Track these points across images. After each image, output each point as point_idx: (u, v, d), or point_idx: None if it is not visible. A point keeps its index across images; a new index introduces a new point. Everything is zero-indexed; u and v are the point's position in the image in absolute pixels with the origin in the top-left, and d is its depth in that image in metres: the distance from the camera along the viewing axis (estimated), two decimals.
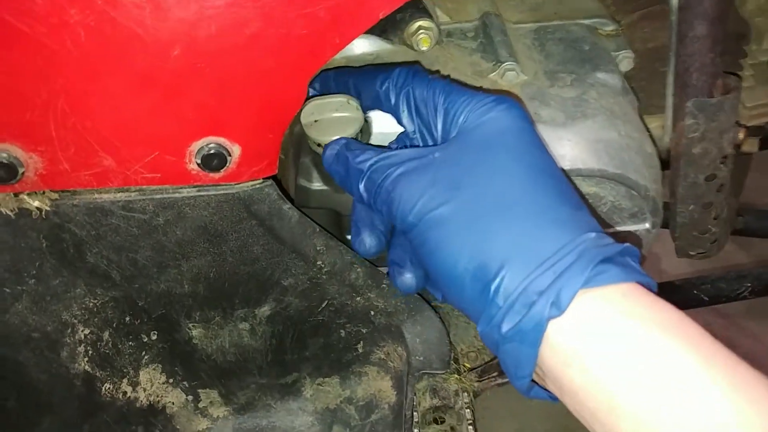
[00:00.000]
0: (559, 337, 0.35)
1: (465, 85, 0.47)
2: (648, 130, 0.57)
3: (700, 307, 0.73)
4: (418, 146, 0.47)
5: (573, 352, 0.35)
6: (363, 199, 0.45)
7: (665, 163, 0.59)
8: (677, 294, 0.71)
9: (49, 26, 0.35)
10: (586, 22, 0.57)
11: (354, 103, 0.47)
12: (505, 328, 0.36)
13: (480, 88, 0.50)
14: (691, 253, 0.62)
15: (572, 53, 0.54)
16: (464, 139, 0.42)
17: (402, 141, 0.49)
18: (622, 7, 0.61)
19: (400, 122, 0.48)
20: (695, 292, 0.72)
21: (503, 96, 0.43)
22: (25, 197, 0.44)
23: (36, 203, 0.44)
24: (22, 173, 0.41)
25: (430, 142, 0.46)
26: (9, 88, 0.37)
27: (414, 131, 0.47)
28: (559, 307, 0.34)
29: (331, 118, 0.47)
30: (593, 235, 0.37)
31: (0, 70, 0.36)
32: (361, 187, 0.44)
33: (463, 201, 0.39)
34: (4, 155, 0.40)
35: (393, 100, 0.47)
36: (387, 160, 0.43)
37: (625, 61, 0.56)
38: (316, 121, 0.47)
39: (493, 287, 0.36)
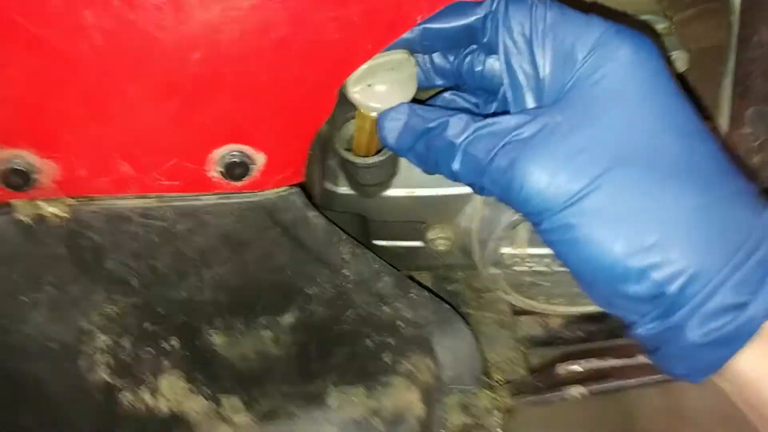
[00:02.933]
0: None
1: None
2: None
3: None
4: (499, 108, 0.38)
5: None
6: (459, 179, 0.36)
7: None
8: None
9: (64, 29, 0.33)
10: (636, 19, 0.53)
11: (413, 59, 0.39)
12: (693, 334, 0.30)
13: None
14: None
15: None
16: (590, 95, 0.33)
17: (451, 100, 0.41)
18: (675, 3, 0.56)
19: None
20: None
21: (625, 28, 0.34)
22: (42, 203, 0.42)
23: (52, 209, 0.43)
24: (37, 179, 0.40)
25: (529, 96, 0.35)
26: (22, 94, 0.35)
27: (505, 78, 0.36)
28: None
29: (387, 80, 0.38)
30: None
31: (14, 75, 0.34)
32: (456, 166, 0.35)
33: (614, 181, 0.31)
34: (18, 161, 0.38)
35: (489, 34, 0.36)
36: (489, 128, 0.33)
37: (678, 61, 0.52)
38: (369, 85, 0.38)
39: (671, 289, 0.30)
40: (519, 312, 0.71)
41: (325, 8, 0.35)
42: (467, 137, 0.34)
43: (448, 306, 0.57)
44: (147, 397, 0.55)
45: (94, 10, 0.32)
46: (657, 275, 0.31)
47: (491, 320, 0.69)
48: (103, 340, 0.51)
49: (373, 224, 0.56)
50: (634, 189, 0.31)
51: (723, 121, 0.55)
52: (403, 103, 0.38)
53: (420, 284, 0.56)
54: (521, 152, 0.32)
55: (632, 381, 0.54)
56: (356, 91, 0.38)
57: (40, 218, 0.43)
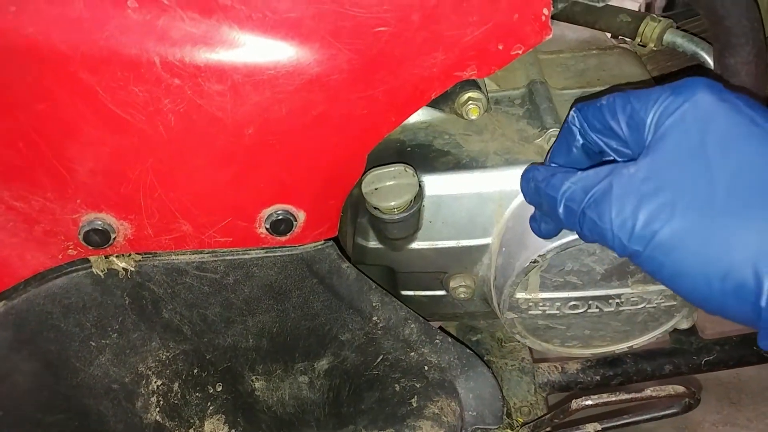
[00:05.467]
0: None
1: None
2: None
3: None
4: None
5: None
6: (564, 225, 0.42)
7: None
8: (737, 350, 0.70)
9: (147, 114, 0.40)
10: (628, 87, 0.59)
11: (410, 170, 0.51)
12: None
13: None
14: None
15: None
16: (662, 143, 0.37)
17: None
18: (664, 72, 0.63)
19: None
20: (755, 348, 0.70)
21: (686, 81, 0.38)
22: (114, 259, 0.49)
23: (123, 264, 0.49)
24: (114, 238, 0.46)
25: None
26: (109, 166, 0.42)
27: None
28: None
29: (390, 185, 0.50)
30: None
31: (104, 151, 0.41)
32: (561, 212, 0.41)
33: (688, 213, 0.34)
34: (100, 223, 0.45)
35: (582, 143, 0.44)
36: (582, 182, 0.40)
37: None
38: (376, 189, 0.50)
39: (763, 304, 0.32)
40: (539, 359, 0.75)
41: (355, 89, 0.42)
42: (565, 192, 0.40)
43: (470, 351, 0.61)
44: None
45: (171, 98, 0.40)
46: (746, 296, 0.33)
47: (512, 367, 0.72)
48: (157, 383, 0.56)
49: (400, 276, 0.61)
50: (708, 223, 0.34)
51: None
52: (531, 166, 0.46)
53: (444, 331, 0.61)
54: (604, 207, 0.37)
55: (645, 416, 0.57)
56: (366, 192, 0.51)
57: (111, 272, 0.50)
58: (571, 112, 0.44)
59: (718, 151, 0.35)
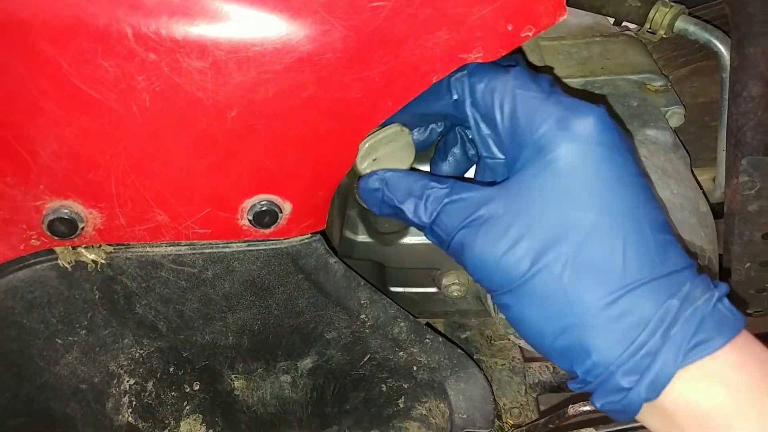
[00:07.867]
0: (656, 419, 0.35)
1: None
2: (699, 184, 0.56)
3: None
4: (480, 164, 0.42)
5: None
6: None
7: (716, 215, 0.57)
8: None
9: (118, 92, 0.36)
10: (634, 77, 0.57)
11: (407, 128, 0.44)
12: (598, 403, 0.35)
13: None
14: (748, 311, 0.60)
15: (621, 109, 0.54)
16: (531, 181, 0.36)
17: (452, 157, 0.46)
18: (670, 62, 0.60)
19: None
20: None
21: (583, 110, 0.36)
22: (83, 250, 0.45)
23: (92, 256, 0.45)
24: (82, 228, 0.42)
25: (490, 169, 0.41)
26: (76, 149, 0.38)
27: (481, 144, 0.41)
28: (655, 391, 0.33)
29: (389, 152, 0.44)
30: (685, 289, 0.34)
31: (70, 132, 0.37)
32: (430, 237, 0.41)
33: (539, 273, 0.35)
34: (66, 211, 0.41)
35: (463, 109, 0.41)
36: (449, 207, 0.39)
37: (675, 116, 0.56)
38: (374, 159, 0.44)
39: (580, 370, 0.35)
40: (529, 359, 0.73)
41: (350, 70, 0.38)
42: (433, 217, 0.39)
43: (461, 351, 0.58)
44: None
45: (146, 75, 0.36)
46: (570, 357, 0.35)
47: (503, 367, 0.70)
48: (129, 382, 0.53)
49: (390, 271, 0.58)
50: (553, 286, 0.35)
51: (721, 171, 0.58)
52: (377, 173, 0.43)
53: (435, 330, 0.58)
54: (467, 245, 0.37)
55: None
56: (365, 167, 0.43)
57: (79, 264, 0.46)
58: (459, 74, 0.40)
59: (580, 204, 0.35)
